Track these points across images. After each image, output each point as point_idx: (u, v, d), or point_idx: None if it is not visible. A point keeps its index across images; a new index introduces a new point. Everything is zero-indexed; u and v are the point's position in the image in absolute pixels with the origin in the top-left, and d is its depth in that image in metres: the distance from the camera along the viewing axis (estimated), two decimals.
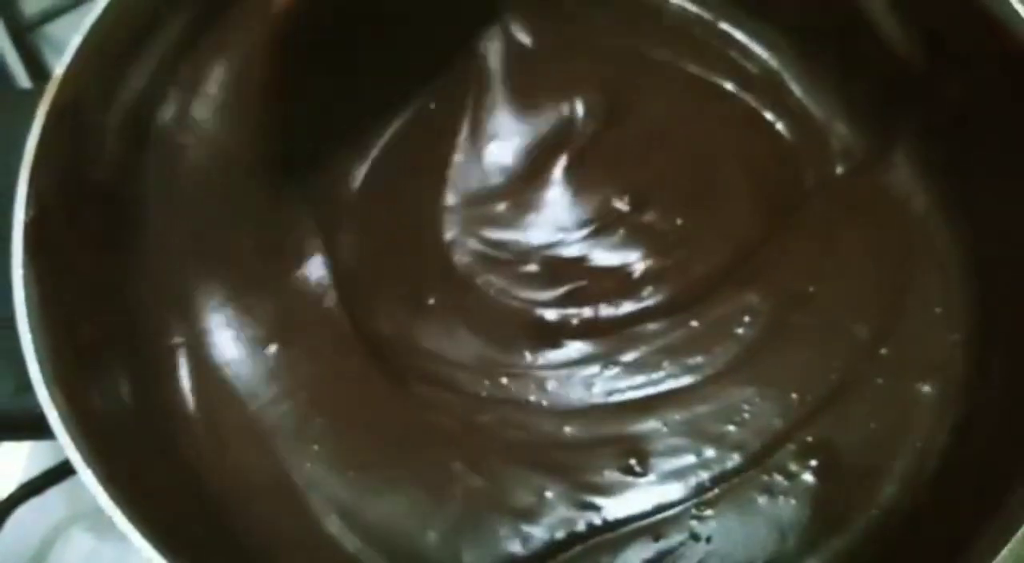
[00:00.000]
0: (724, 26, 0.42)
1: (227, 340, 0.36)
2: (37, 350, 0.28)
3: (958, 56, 0.35)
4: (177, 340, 0.36)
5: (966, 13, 0.34)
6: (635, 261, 0.39)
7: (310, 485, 0.35)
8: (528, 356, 0.37)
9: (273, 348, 0.37)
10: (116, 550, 0.42)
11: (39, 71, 0.49)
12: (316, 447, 0.35)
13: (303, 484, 0.35)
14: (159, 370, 0.34)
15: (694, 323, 0.38)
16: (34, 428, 0.29)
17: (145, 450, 0.31)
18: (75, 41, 0.31)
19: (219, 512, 0.33)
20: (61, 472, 0.40)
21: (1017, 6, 0.33)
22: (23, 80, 0.49)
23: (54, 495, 0.41)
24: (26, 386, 0.28)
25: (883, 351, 0.37)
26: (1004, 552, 0.26)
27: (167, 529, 0.27)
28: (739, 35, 0.42)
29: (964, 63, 0.35)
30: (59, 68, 0.31)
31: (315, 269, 0.38)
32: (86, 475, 0.26)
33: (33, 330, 0.28)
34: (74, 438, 0.27)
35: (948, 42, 0.36)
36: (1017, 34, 0.33)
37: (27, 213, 0.29)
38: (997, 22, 0.33)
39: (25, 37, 0.49)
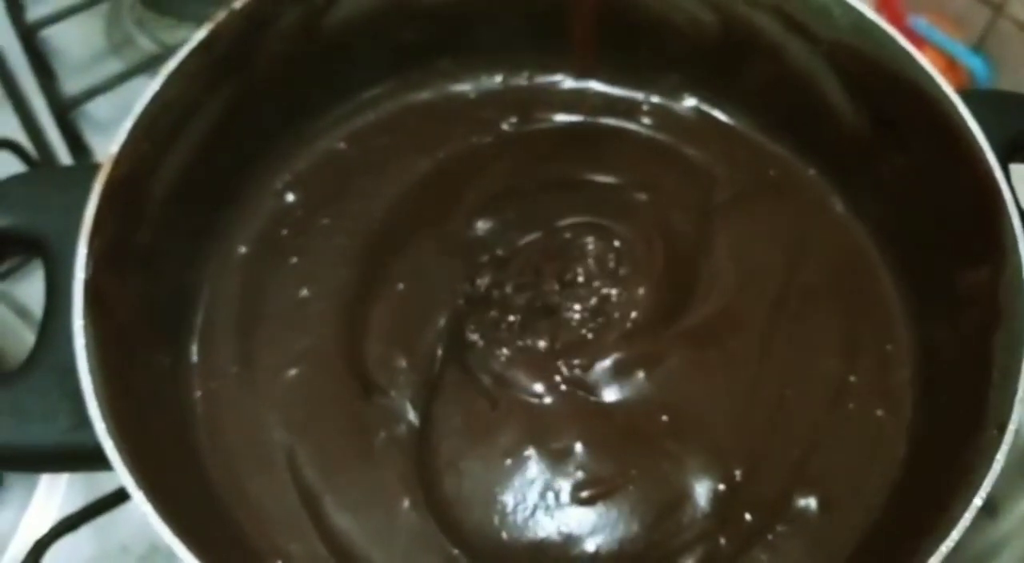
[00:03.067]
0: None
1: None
2: (96, 391, 0.31)
3: (897, 128, 0.41)
4: (212, 385, 0.40)
5: (905, 93, 0.39)
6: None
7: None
8: None
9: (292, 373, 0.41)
10: None
11: (80, 147, 0.53)
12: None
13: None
14: (194, 410, 0.39)
15: None
16: (87, 460, 0.32)
17: (185, 480, 0.35)
18: (126, 124, 0.36)
19: (248, 540, 0.36)
20: (95, 509, 0.44)
21: (942, 83, 0.38)
22: (64, 156, 0.54)
23: (84, 533, 0.44)
24: (82, 422, 0.32)
25: (852, 379, 0.41)
26: None
27: (215, 550, 0.31)
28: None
29: (902, 134, 0.40)
30: (113, 147, 0.35)
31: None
32: (138, 496, 0.30)
33: (92, 373, 0.32)
34: (128, 467, 0.31)
35: (889, 116, 0.41)
36: (944, 106, 0.38)
37: (85, 272, 0.34)
38: (931, 99, 0.39)
39: (66, 116, 0.54)
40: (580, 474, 0.38)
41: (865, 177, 0.44)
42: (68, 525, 0.43)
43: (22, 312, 0.52)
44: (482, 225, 0.44)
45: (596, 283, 0.42)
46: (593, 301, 0.42)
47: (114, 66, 0.57)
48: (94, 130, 0.55)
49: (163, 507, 0.31)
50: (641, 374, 0.40)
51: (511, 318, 0.41)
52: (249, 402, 0.40)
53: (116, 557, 0.46)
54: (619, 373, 0.40)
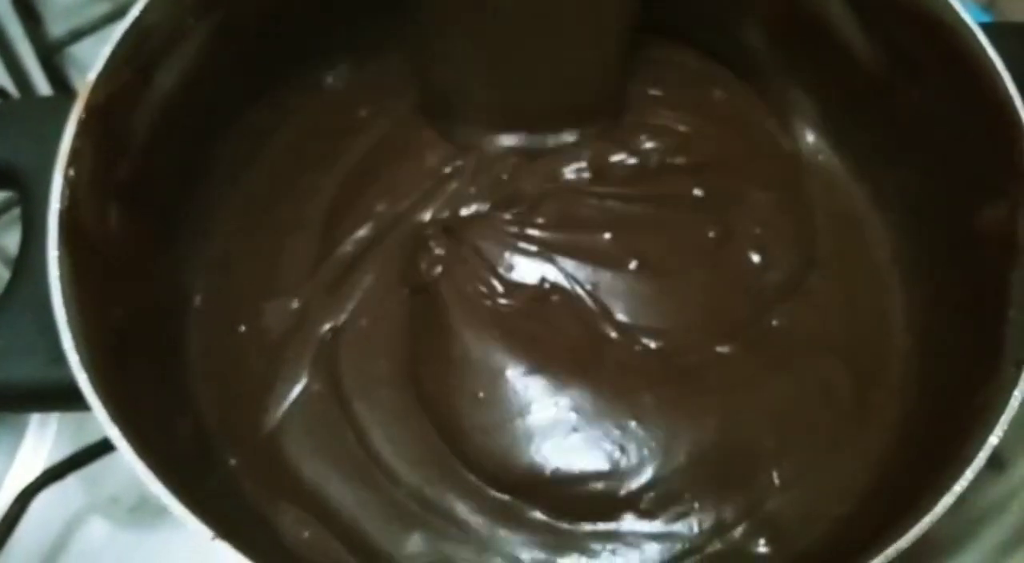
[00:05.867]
0: None
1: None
2: (70, 322, 0.30)
3: (914, 62, 0.39)
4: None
5: (922, 23, 0.37)
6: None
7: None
8: None
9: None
10: (132, 537, 0.44)
11: (65, 90, 0.52)
12: None
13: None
14: (177, 341, 0.37)
15: None
16: (65, 398, 0.31)
17: (168, 417, 0.34)
18: (106, 49, 0.34)
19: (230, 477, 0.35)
20: (82, 458, 0.43)
21: (961, 11, 0.36)
22: None
23: (73, 484, 0.43)
24: (58, 358, 0.31)
25: None
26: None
27: (194, 492, 0.29)
28: None
29: (918, 67, 0.39)
30: (91, 73, 0.34)
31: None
32: (113, 432, 0.29)
33: (66, 305, 0.30)
34: (104, 403, 0.29)
35: (906, 51, 0.39)
36: (963, 37, 0.36)
37: (61, 203, 0.32)
38: (950, 30, 0.37)
39: (51, 57, 0.52)
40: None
41: (877, 114, 0.42)
42: (55, 474, 0.42)
43: (8, 261, 0.51)
44: None
45: None
46: None
47: (101, 8, 0.56)
48: (80, 73, 0.53)
49: (141, 446, 0.30)
50: None
51: None
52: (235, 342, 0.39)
53: (106, 508, 0.45)
54: None
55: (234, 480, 0.36)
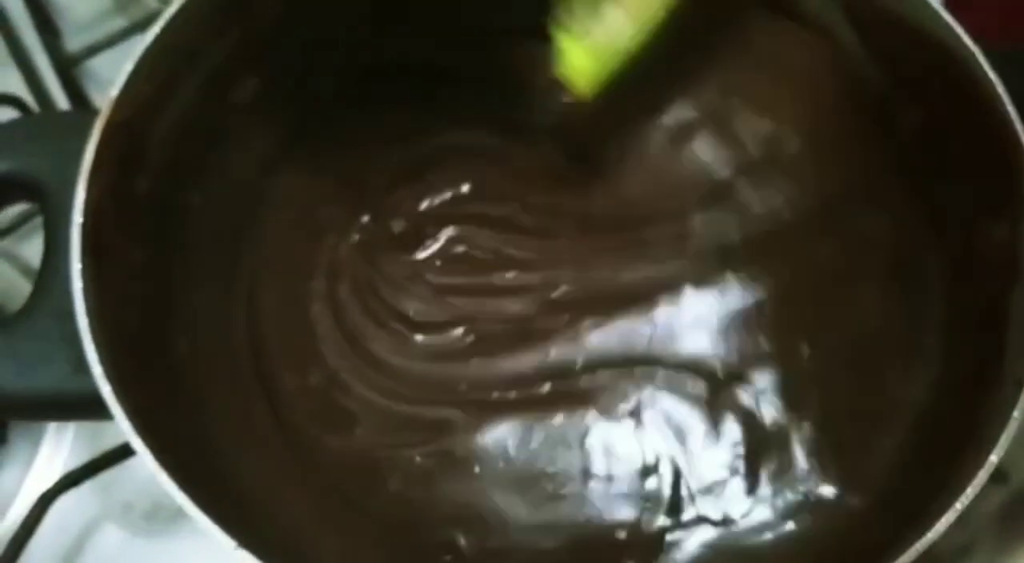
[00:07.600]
0: None
1: None
2: (92, 333, 0.31)
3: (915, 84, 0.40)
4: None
5: (921, 43, 0.38)
6: None
7: None
8: None
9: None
10: (146, 543, 0.45)
11: (82, 104, 0.52)
12: None
13: None
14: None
15: None
16: (88, 408, 0.32)
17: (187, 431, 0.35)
18: (127, 66, 0.35)
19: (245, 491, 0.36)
20: (100, 464, 0.43)
21: (963, 35, 0.37)
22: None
23: (87, 490, 0.44)
24: (81, 367, 0.31)
25: None
26: None
27: (216, 502, 0.30)
28: None
29: (918, 86, 0.39)
30: (114, 90, 0.35)
31: None
32: (137, 442, 0.29)
33: (90, 316, 0.31)
34: (127, 412, 0.30)
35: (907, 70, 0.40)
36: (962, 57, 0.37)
37: (83, 216, 0.33)
38: (950, 51, 0.37)
39: (69, 71, 0.53)
40: None
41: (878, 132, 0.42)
42: (73, 479, 0.43)
43: (27, 271, 0.52)
44: None
45: None
46: None
47: (118, 23, 0.57)
48: (97, 87, 0.54)
49: (163, 455, 0.30)
50: None
51: None
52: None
53: (120, 514, 0.46)
54: None
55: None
